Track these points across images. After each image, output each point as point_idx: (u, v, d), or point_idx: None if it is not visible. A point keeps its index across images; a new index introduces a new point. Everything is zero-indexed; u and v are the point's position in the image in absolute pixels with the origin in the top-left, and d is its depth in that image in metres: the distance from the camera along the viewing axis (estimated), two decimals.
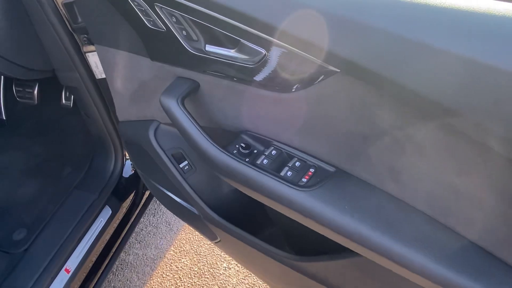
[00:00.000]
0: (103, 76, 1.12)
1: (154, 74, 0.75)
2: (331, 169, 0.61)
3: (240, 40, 0.57)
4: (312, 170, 0.61)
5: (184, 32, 0.62)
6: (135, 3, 0.63)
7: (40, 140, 1.55)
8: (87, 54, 1.08)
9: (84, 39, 1.04)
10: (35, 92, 1.40)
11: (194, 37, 0.62)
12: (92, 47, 1.06)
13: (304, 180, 0.60)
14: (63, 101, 1.40)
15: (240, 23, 0.53)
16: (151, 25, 0.65)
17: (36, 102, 1.42)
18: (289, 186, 0.58)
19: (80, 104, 1.23)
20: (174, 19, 0.61)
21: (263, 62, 0.57)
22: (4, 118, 1.55)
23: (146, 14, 0.64)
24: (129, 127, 0.95)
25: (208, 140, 0.65)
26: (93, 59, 1.09)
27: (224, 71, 0.63)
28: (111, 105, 1.18)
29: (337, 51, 0.47)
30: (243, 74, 0.61)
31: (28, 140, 1.55)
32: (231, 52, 0.60)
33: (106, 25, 0.77)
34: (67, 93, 1.39)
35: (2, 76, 1.52)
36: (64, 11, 0.97)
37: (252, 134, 0.70)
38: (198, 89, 0.70)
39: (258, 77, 0.60)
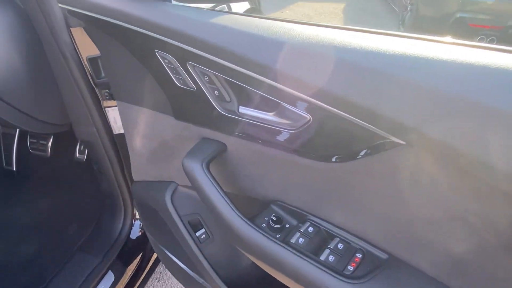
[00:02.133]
0: (121, 131, 1.08)
1: (177, 133, 0.69)
2: (383, 255, 0.51)
3: (280, 103, 0.51)
4: (359, 255, 0.51)
5: (216, 92, 0.57)
6: (166, 61, 0.59)
7: (49, 194, 1.48)
8: (106, 109, 1.05)
9: (106, 94, 1.01)
10: (49, 144, 1.36)
11: (227, 98, 0.57)
12: (112, 102, 1.03)
13: (351, 268, 0.50)
14: (77, 155, 1.35)
15: (285, 86, 0.47)
16: (180, 84, 0.60)
17: (49, 154, 1.37)
18: (333, 275, 0.48)
19: (94, 159, 1.17)
20: (206, 78, 0.56)
21: (306, 128, 0.51)
22: (15, 169, 1.50)
23: (176, 73, 0.59)
24: (144, 187, 0.88)
25: (233, 209, 0.56)
26: (112, 114, 1.06)
27: (257, 134, 0.57)
28: (126, 163, 1.13)
29: (408, 121, 0.39)
30: (279, 139, 0.54)
31: (36, 193, 1.48)
32: (269, 116, 0.53)
33: (130, 82, 0.74)
34: (82, 147, 1.35)
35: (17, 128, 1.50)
36: (88, 66, 0.95)
37: (284, 205, 0.61)
38: (224, 152, 0.63)
39: (296, 144, 0.53)
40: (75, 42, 0.90)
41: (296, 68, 0.46)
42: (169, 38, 0.55)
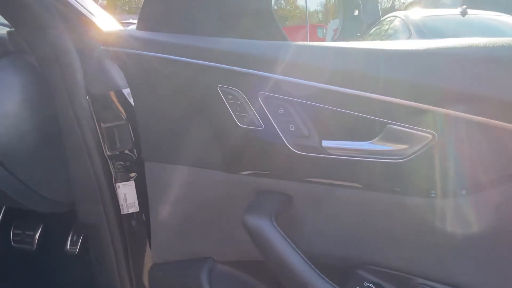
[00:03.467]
0: (130, 211, 0.96)
1: (225, 191, 0.60)
2: None
3: (387, 124, 0.44)
4: None
5: (291, 127, 0.50)
6: (229, 97, 0.53)
7: None
8: (117, 184, 0.94)
9: (119, 166, 0.92)
10: (37, 236, 1.19)
11: (305, 132, 0.49)
12: (125, 176, 0.93)
13: None
14: (68, 247, 1.17)
15: (399, 98, 0.41)
16: (243, 124, 0.53)
17: (34, 248, 1.19)
18: None
19: (94, 246, 1.01)
20: (281, 111, 0.50)
21: (426, 151, 0.42)
22: None
23: (241, 110, 0.52)
24: (167, 270, 0.73)
25: (322, 277, 0.44)
26: (123, 190, 0.95)
27: (347, 173, 0.48)
28: (133, 247, 0.97)
29: None
30: (379, 176, 0.46)
31: None
32: (369, 144, 0.46)
33: (170, 135, 0.66)
34: (75, 237, 1.18)
35: None
36: (103, 135, 0.88)
37: (377, 270, 0.49)
38: (290, 206, 0.53)
39: (406, 177, 0.44)
40: (92, 109, 0.84)
41: (421, 73, 0.40)
42: (242, 67, 0.50)
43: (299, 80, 0.47)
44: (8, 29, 0.81)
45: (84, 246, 1.15)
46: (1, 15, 0.76)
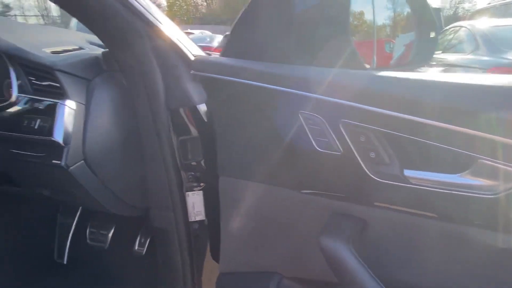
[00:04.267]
0: (197, 218, 1.02)
1: (297, 209, 0.62)
2: None
3: (478, 158, 0.43)
4: None
5: (372, 154, 0.51)
6: (309, 122, 0.55)
7: None
8: (187, 193, 1.00)
9: (190, 176, 0.98)
10: (109, 235, 1.29)
11: (386, 160, 0.50)
12: (194, 186, 0.99)
13: None
14: (136, 247, 1.26)
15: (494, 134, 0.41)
16: (321, 148, 0.55)
17: (106, 246, 1.29)
18: None
19: (162, 249, 1.08)
20: (362, 138, 0.51)
21: None
22: (65, 263, 1.39)
23: (320, 135, 0.55)
24: (235, 280, 0.76)
25: None
26: (192, 199, 1.00)
27: (426, 205, 0.48)
28: (198, 254, 1.02)
29: None
30: (464, 210, 0.45)
31: None
32: (458, 177, 0.45)
33: (245, 152, 0.70)
34: (142, 239, 1.27)
35: (76, 218, 1.45)
36: (178, 148, 0.94)
37: None
38: (364, 231, 0.54)
39: (495, 213, 0.43)
40: (170, 122, 0.91)
41: None
42: (326, 96, 0.53)
43: (383, 110, 0.48)
44: (103, 50, 0.90)
45: (151, 248, 1.23)
46: (98, 37, 0.85)
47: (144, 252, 1.24)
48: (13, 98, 0.82)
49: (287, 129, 0.59)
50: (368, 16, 0.89)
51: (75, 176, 0.78)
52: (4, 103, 0.84)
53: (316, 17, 0.63)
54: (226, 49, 0.74)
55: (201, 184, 0.98)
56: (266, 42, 0.66)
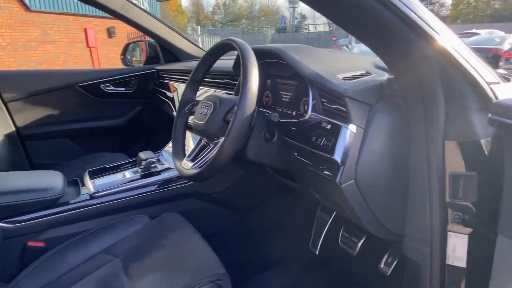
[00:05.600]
0: (455, 263, 0.91)
1: None
2: None
3: None
4: None
5: None
6: None
7: None
8: (450, 233, 0.91)
9: (456, 216, 0.89)
10: (359, 244, 1.35)
11: None
12: (461, 228, 0.88)
13: None
14: (382, 265, 1.27)
15: None
16: None
17: (354, 253, 1.36)
18: None
19: (410, 281, 1.04)
20: None
21: None
22: (317, 253, 1.59)
23: None
24: None
25: None
26: (454, 241, 0.90)
27: None
28: None
29: None
30: None
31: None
32: None
33: None
34: (389, 259, 1.26)
35: (331, 217, 1.61)
36: (448, 182, 0.87)
37: None
38: None
39: None
40: (445, 154, 0.85)
41: None
42: None
43: None
44: (388, 75, 0.94)
45: (397, 271, 1.21)
46: (387, 66, 0.89)
47: (389, 273, 1.23)
48: (308, 116, 0.99)
49: None
50: None
51: (344, 192, 0.87)
52: (300, 119, 1.03)
53: None
54: None
55: (468, 229, 0.87)
56: None
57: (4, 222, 1.21)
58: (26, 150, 2.09)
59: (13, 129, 2.03)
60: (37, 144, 2.12)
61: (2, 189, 1.23)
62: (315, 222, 1.61)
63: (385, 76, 0.94)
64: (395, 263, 1.23)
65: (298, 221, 1.69)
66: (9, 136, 1.98)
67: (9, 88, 2.01)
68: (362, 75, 0.98)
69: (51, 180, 1.34)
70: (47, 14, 9.74)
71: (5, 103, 2.00)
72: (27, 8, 9.15)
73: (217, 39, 18.18)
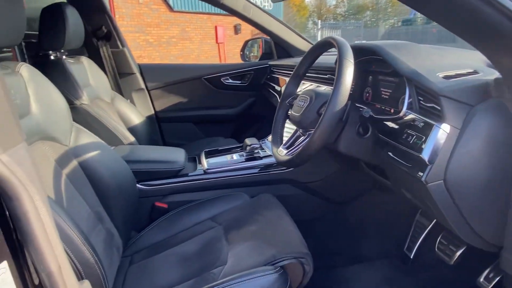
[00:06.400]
0: None
1: None
2: None
3: None
4: None
5: None
6: None
7: None
8: None
9: None
10: (457, 254, 1.27)
11: None
12: None
13: None
14: (482, 279, 1.17)
15: None
16: None
17: (451, 263, 1.29)
18: None
19: None
20: None
21: None
22: (411, 257, 1.53)
23: None
24: None
25: None
26: None
27: None
28: None
29: None
30: None
31: None
32: None
33: None
34: (491, 274, 1.16)
35: (432, 223, 1.52)
36: None
37: None
38: None
39: None
40: None
41: None
42: None
43: None
44: (498, 75, 0.86)
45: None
46: (492, 64, 0.84)
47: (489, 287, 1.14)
48: (402, 113, 1.00)
49: None
50: None
51: (431, 192, 0.86)
52: (396, 115, 1.04)
53: None
54: None
55: None
56: None
57: (141, 184, 1.54)
58: (161, 130, 2.53)
59: (153, 112, 2.47)
60: (169, 126, 2.55)
61: (142, 159, 1.58)
62: (413, 226, 1.56)
63: (494, 75, 0.88)
64: (497, 279, 1.13)
65: (394, 223, 1.65)
66: (150, 118, 2.43)
67: (152, 78, 2.46)
68: (467, 74, 0.93)
69: (177, 155, 1.65)
70: (186, 14, 11.07)
71: (148, 91, 2.46)
72: (171, 8, 10.55)
73: (337, 33, 17.83)
